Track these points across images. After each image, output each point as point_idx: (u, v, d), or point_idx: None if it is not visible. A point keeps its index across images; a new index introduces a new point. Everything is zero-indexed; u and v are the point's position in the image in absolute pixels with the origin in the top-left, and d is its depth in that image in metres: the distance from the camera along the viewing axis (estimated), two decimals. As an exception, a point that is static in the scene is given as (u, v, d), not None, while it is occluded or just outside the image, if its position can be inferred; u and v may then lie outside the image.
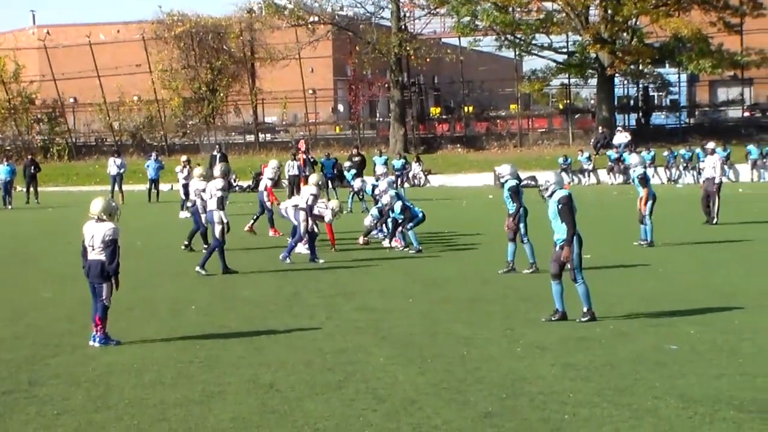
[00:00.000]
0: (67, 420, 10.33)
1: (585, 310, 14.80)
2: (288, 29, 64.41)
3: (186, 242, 24.85)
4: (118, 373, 12.21)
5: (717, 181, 29.36)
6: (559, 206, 14.79)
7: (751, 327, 14.18)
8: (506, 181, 20.56)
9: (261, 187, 28.89)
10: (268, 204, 28.11)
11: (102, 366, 12.63)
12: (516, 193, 20.30)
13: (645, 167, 25.89)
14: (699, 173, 52.74)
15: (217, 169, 22.73)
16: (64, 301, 17.78)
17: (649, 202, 24.15)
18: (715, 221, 28.78)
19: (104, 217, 13.76)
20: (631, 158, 26.39)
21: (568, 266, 14.70)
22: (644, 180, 24.48)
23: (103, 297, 13.60)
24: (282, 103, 69.51)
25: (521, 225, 20.23)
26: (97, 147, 70.14)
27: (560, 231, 14.78)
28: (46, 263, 23.76)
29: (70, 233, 24.40)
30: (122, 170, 45.14)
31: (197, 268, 20.72)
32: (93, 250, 13.64)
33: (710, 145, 32.27)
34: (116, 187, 44.07)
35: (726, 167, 41.36)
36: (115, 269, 13.57)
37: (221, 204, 21.02)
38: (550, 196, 15.05)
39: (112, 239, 13.58)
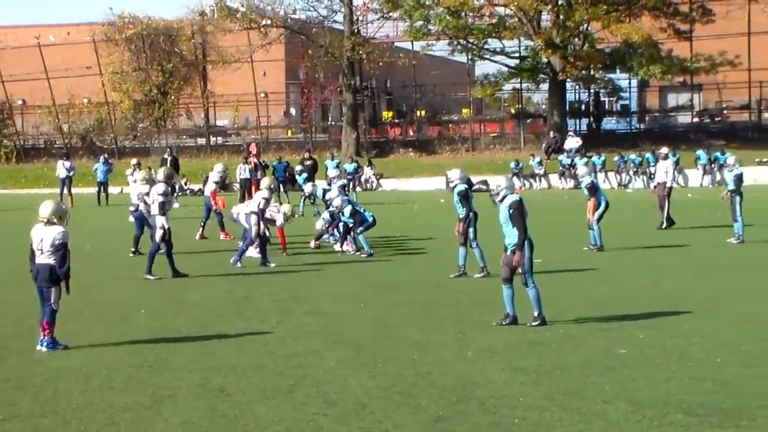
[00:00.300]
0: (14, 425, 10.24)
1: (536, 314, 14.86)
2: (240, 32, 64.20)
3: (132, 248, 24.70)
4: (66, 378, 12.12)
5: (668, 185, 29.68)
6: (510, 211, 14.84)
7: (699, 331, 14.29)
8: (456, 185, 20.58)
9: (207, 191, 28.80)
10: (215, 207, 28.02)
11: (50, 370, 12.53)
12: (466, 197, 20.34)
13: (593, 176, 26.06)
14: (650, 178, 53.33)
15: (161, 173, 22.52)
16: (11, 305, 17.62)
17: (599, 210, 24.30)
18: (664, 226, 29.03)
19: (54, 221, 13.67)
20: (579, 169, 26.63)
21: (520, 270, 14.75)
22: (593, 189, 24.66)
23: (52, 301, 13.50)
24: (234, 107, 69.30)
25: (471, 229, 20.28)
26: (46, 149, 69.45)
27: (511, 235, 14.83)
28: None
29: (18, 236, 24.14)
30: (71, 173, 44.84)
31: (145, 275, 20.60)
32: (42, 253, 13.53)
33: (663, 150, 32.52)
34: (65, 190, 43.77)
35: (676, 172, 41.65)
36: (65, 273, 13.47)
37: (162, 209, 20.86)
38: (501, 200, 15.10)
39: (62, 243, 13.48)
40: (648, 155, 54.25)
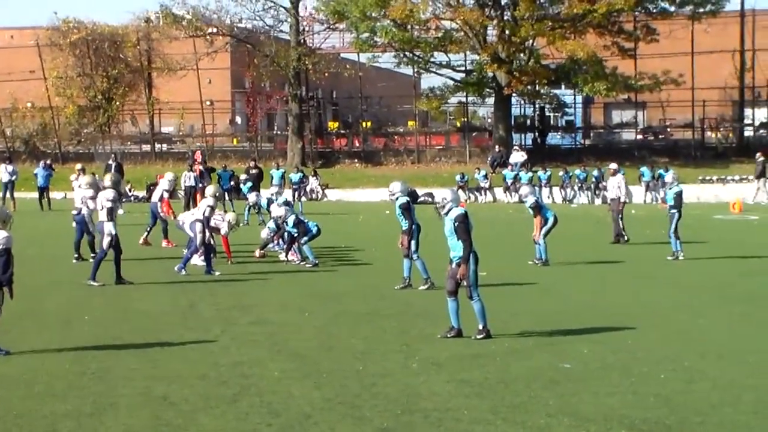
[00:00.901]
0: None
1: (480, 327, 14.88)
2: (186, 40, 64.09)
3: (75, 254, 24.51)
4: (6, 385, 11.97)
5: (622, 200, 30.05)
6: (456, 224, 14.85)
7: (642, 346, 14.38)
8: (397, 198, 20.56)
9: (155, 198, 28.62)
10: (162, 215, 27.88)
11: (-5, 381, 12.38)
12: (407, 209, 20.33)
13: (536, 195, 26.24)
14: (595, 193, 53.82)
15: (108, 179, 22.36)
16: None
17: (547, 225, 24.44)
18: (625, 239, 29.32)
19: None
20: (522, 189, 26.88)
21: (465, 283, 14.77)
22: (537, 208, 24.82)
23: None
24: (179, 114, 69.15)
25: (413, 242, 20.27)
26: (-12, 153, 68.86)
27: (456, 248, 14.85)
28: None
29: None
30: (14, 177, 44.45)
31: (88, 281, 20.43)
32: None
33: (612, 165, 32.81)
34: (8, 194, 43.37)
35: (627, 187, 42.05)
36: (8, 279, 13.32)
37: (110, 215, 20.70)
38: (447, 213, 15.12)
39: (4, 248, 13.32)
40: (594, 171, 54.70)
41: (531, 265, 24.40)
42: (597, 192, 54.32)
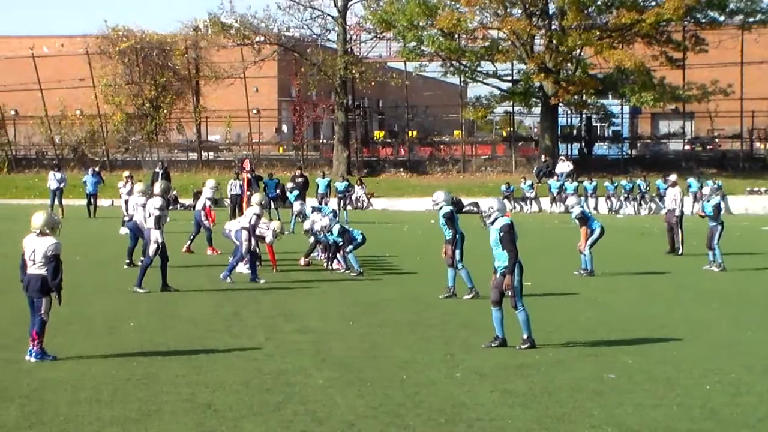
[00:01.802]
0: (0, 436, 10.22)
1: (525, 337, 14.86)
2: (233, 48, 64.29)
3: (127, 260, 24.71)
4: (53, 389, 12.08)
5: (677, 213, 29.95)
6: (501, 234, 14.84)
7: (687, 358, 14.30)
8: (441, 207, 20.58)
9: (198, 206, 28.79)
10: (206, 223, 28.03)
11: (37, 381, 12.49)
12: (451, 219, 20.34)
13: (583, 206, 26.17)
14: (639, 204, 53.54)
15: (157, 187, 22.53)
16: (0, 316, 17.57)
17: (594, 236, 24.39)
18: (680, 252, 29.26)
19: (46, 232, 13.65)
20: (569, 199, 26.91)
21: (509, 293, 14.75)
22: (583, 219, 24.76)
23: (42, 312, 13.48)
24: (226, 122, 69.38)
25: (457, 251, 20.28)
26: (38, 160, 69.39)
27: (501, 258, 14.83)
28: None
29: (9, 246, 24.10)
30: (62, 184, 44.78)
31: (134, 288, 20.57)
32: (33, 264, 13.52)
33: (672, 177, 32.84)
34: (56, 201, 43.72)
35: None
36: (58, 285, 13.46)
37: (158, 223, 20.85)
38: (492, 223, 15.11)
39: (54, 255, 13.47)
40: (639, 181, 54.45)
41: (576, 276, 24.32)
42: (642, 203, 54.05)
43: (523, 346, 14.76)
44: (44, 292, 13.46)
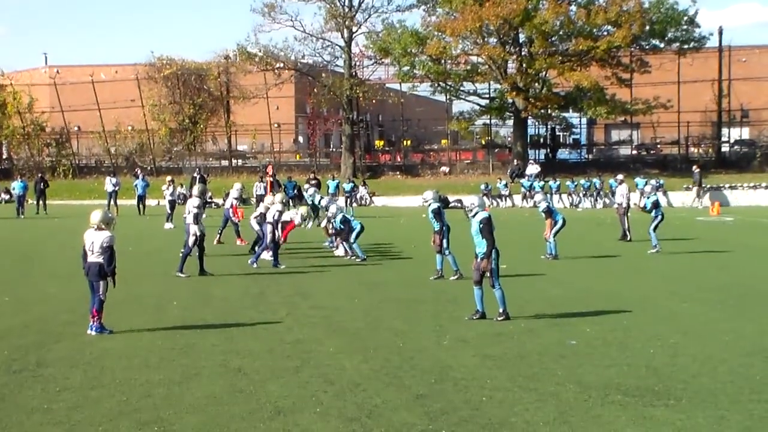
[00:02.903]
0: (68, 396, 10.23)
1: (500, 311, 14.86)
2: (258, 73, 64.24)
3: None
4: (111, 357, 12.10)
5: (624, 205, 30.05)
6: (481, 225, 14.86)
7: (635, 326, 14.31)
8: (429, 204, 20.69)
9: (227, 205, 28.81)
10: (234, 219, 28.08)
11: (97, 351, 12.51)
12: (438, 213, 20.42)
13: (548, 201, 26.15)
14: (595, 199, 53.56)
15: (196, 189, 22.67)
16: (66, 296, 17.60)
17: (557, 226, 24.38)
18: (629, 238, 29.29)
19: (102, 227, 13.68)
20: (536, 196, 26.95)
21: (488, 275, 14.76)
22: (548, 212, 24.75)
23: (100, 293, 13.52)
24: (252, 134, 69.40)
25: (444, 240, 20.32)
26: (97, 168, 69.41)
27: (481, 245, 14.85)
28: (51, 264, 23.48)
29: (72, 239, 24.10)
30: (117, 188, 44.80)
31: (176, 273, 20.58)
32: (92, 254, 13.56)
33: (620, 176, 32.98)
34: (112, 202, 43.72)
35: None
36: (113, 270, 13.53)
37: (196, 219, 20.92)
38: (474, 216, 15.13)
39: (109, 245, 13.53)
40: (595, 180, 54.47)
41: (543, 260, 24.30)
42: (598, 198, 54.06)
43: (499, 318, 14.77)
44: (102, 276, 13.50)
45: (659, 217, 26.15)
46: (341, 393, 10.26)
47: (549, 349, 12.53)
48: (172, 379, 10.89)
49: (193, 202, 21.21)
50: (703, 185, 53.63)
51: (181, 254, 21.27)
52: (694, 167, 52.90)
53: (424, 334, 13.70)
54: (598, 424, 9.07)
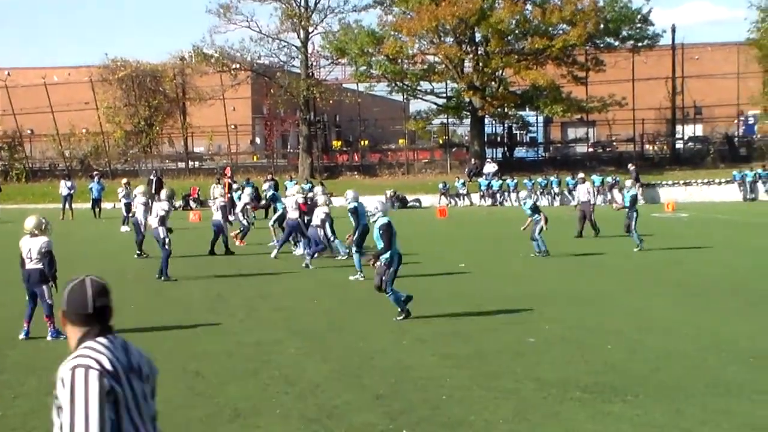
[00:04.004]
0: (23, 402, 10.15)
1: (399, 311, 14.81)
2: (214, 74, 63.96)
3: (138, 251, 24.63)
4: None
5: (592, 202, 30.53)
6: (380, 231, 14.90)
7: (593, 323, 14.42)
8: (349, 203, 20.90)
9: (238, 208, 29.29)
10: (244, 222, 28.39)
11: (54, 356, 12.29)
12: (355, 212, 20.57)
13: (533, 199, 26.17)
14: (553, 198, 53.88)
15: (163, 194, 22.49)
16: (21, 302, 17.36)
17: (540, 224, 24.27)
18: (597, 233, 29.60)
19: (36, 232, 13.60)
20: (521, 193, 27.11)
21: (383, 278, 14.74)
22: (535, 209, 24.70)
23: (46, 297, 13.43)
24: (208, 136, 69.09)
25: (358, 238, 20.63)
26: (51, 171, 68.61)
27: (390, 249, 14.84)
28: (3, 270, 23.17)
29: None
30: (72, 191, 44.37)
31: (163, 278, 20.36)
32: (31, 260, 13.53)
33: (580, 175, 33.30)
34: (67, 205, 43.31)
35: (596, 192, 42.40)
36: (53, 274, 13.47)
37: (163, 221, 20.81)
38: (375, 221, 15.21)
39: (47, 250, 13.50)
40: (552, 178, 54.79)
41: (506, 256, 24.38)
42: (555, 196, 54.40)
43: (398, 318, 14.72)
44: (44, 281, 13.43)
45: (636, 213, 26.09)
46: (301, 394, 10.24)
47: (508, 348, 12.59)
48: (130, 384, 10.77)
49: (162, 206, 21.15)
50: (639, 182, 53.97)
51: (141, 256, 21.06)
52: (630, 165, 53.43)
53: (383, 335, 13.71)
54: (557, 421, 9.13)
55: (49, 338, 13.47)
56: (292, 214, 24.85)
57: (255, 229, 28.69)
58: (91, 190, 44.98)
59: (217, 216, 25.61)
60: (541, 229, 24.31)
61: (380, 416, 9.35)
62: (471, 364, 11.64)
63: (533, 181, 54.97)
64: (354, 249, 20.52)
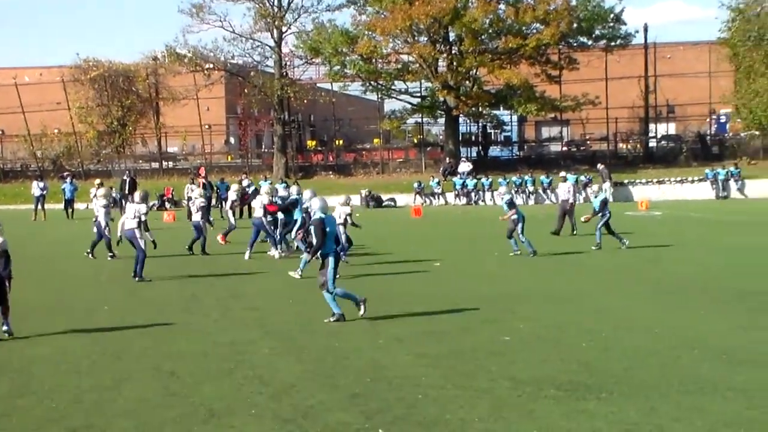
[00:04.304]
0: (-6, 404, 10.04)
1: (333, 312, 14.64)
2: (187, 74, 63.81)
3: (88, 250, 24.40)
4: (39, 364, 11.90)
5: (571, 201, 30.79)
6: (312, 227, 14.91)
7: (568, 321, 14.44)
8: (306, 202, 21.23)
9: (227, 206, 29.19)
10: (232, 221, 28.25)
11: (26, 358, 12.30)
12: (307, 212, 20.92)
13: (511, 194, 26.24)
14: (528, 196, 54.05)
15: (137, 196, 22.19)
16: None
17: (520, 224, 24.25)
18: (575, 232, 29.73)
19: None
20: (501, 188, 27.26)
21: (323, 279, 14.66)
22: (511, 204, 24.78)
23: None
24: (182, 136, 68.94)
25: (304, 235, 20.94)
26: (23, 172, 68.29)
27: (324, 247, 14.73)
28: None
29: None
30: (45, 192, 44.17)
31: (137, 279, 20.22)
32: None
33: (562, 173, 33.59)
34: (39, 206, 43.07)
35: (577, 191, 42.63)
36: (9, 274, 13.35)
37: (146, 226, 20.61)
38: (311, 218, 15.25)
39: (3, 250, 13.36)
40: (527, 177, 54.96)
41: (479, 254, 24.38)
42: (530, 195, 54.57)
43: (330, 319, 14.55)
44: None
45: (608, 215, 26.14)
46: (276, 394, 10.20)
47: (483, 346, 12.59)
48: (103, 385, 10.73)
49: (141, 209, 20.71)
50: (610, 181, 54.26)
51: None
52: (600, 165, 53.77)
53: (358, 334, 13.68)
54: (532, 419, 9.14)
55: (5, 334, 13.39)
56: (258, 213, 24.81)
57: (238, 229, 28.50)
58: (63, 191, 44.75)
59: (197, 217, 25.50)
60: (522, 230, 24.23)
61: (355, 415, 9.33)
62: (446, 363, 11.64)
63: (508, 180, 55.09)
64: (299, 243, 20.70)
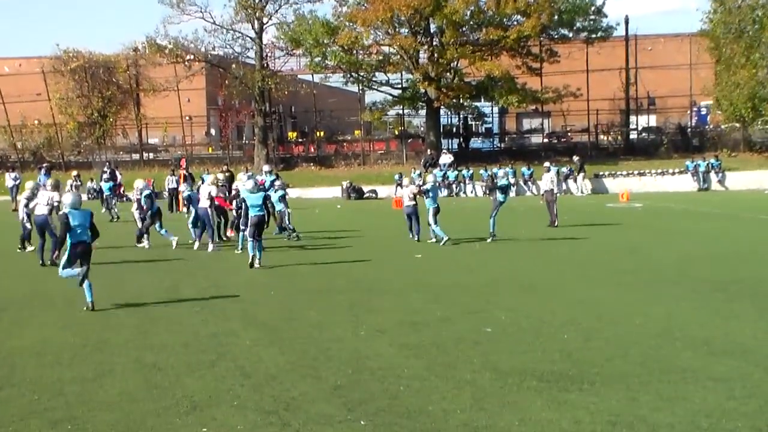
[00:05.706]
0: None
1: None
2: (168, 65, 63.48)
3: (20, 246, 24.21)
4: (20, 356, 11.84)
5: (555, 191, 30.83)
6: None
7: (549, 312, 14.47)
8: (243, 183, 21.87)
9: (203, 203, 29.00)
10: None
11: (6, 350, 12.24)
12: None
13: (434, 183, 26.59)
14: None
15: (48, 184, 22.73)
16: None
17: (435, 208, 24.91)
18: (556, 224, 29.77)
19: None
20: (428, 177, 27.50)
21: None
22: (425, 193, 25.28)
23: None
24: (163, 127, 68.63)
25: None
26: (2, 163, 67.82)
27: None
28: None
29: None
30: (17, 182, 44.20)
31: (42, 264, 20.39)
32: None
33: (546, 164, 33.62)
34: (16, 196, 42.97)
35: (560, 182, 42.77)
36: None
37: (53, 209, 21.27)
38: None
39: None
40: (508, 168, 55.02)
41: (464, 245, 24.39)
42: (514, 185, 54.64)
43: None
44: None
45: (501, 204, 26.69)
46: (258, 386, 10.19)
47: (465, 337, 12.61)
48: (85, 377, 10.70)
49: (55, 197, 21.53)
50: (584, 173, 54.73)
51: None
52: (575, 156, 53.85)
53: (340, 325, 13.68)
54: (514, 410, 9.17)
55: None
56: (203, 203, 24.77)
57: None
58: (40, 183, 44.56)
59: (204, 203, 25.09)
60: (436, 221, 24.72)
61: (338, 407, 9.33)
62: (428, 354, 11.65)
63: (489, 172, 55.19)
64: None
